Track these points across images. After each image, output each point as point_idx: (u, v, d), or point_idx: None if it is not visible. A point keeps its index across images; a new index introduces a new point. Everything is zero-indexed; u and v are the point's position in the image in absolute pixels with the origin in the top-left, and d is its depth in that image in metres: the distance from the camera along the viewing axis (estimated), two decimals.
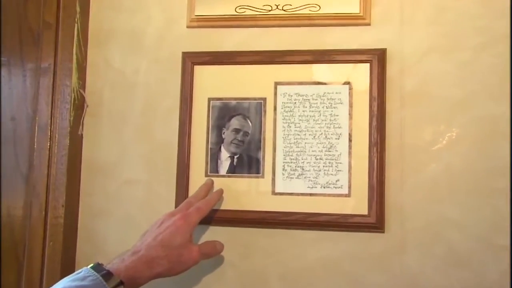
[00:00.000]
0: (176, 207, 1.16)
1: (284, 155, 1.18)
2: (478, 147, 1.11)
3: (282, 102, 1.19)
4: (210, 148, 1.20)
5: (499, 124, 1.11)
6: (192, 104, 1.21)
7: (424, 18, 1.16)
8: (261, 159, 1.18)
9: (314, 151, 1.17)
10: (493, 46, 1.13)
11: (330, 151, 1.16)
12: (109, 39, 1.29)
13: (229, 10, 1.22)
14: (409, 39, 1.16)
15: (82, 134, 1.27)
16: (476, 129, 1.12)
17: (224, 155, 1.20)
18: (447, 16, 1.15)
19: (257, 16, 1.21)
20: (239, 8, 1.22)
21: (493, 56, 1.13)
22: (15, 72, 1.26)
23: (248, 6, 1.22)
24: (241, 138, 1.19)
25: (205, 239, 1.18)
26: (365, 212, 1.13)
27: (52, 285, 0.89)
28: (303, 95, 1.18)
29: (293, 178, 1.17)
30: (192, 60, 1.22)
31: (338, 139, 1.16)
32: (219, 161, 1.20)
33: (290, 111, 1.18)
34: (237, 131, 1.20)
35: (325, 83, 1.18)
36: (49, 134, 1.23)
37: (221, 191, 1.17)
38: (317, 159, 1.16)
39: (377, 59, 1.15)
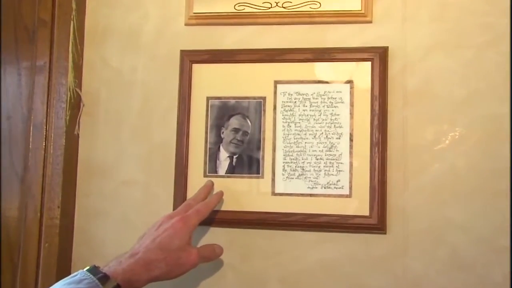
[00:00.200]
0: (174, 208, 1.16)
1: (284, 155, 1.17)
2: (483, 147, 1.11)
3: (282, 101, 1.18)
4: (209, 148, 1.20)
5: (503, 123, 1.11)
6: (190, 103, 1.21)
7: (427, 15, 1.15)
8: (260, 159, 1.18)
9: (314, 151, 1.16)
10: (498, 44, 1.12)
11: (330, 151, 1.16)
12: (105, 37, 1.28)
13: (228, 8, 1.22)
14: (412, 37, 1.16)
15: (78, 134, 1.26)
16: (481, 129, 1.11)
17: (223, 155, 1.19)
18: (450, 13, 1.15)
19: (257, 13, 1.21)
20: (238, 6, 1.21)
21: (498, 54, 1.12)
22: (9, 71, 1.25)
23: (247, 3, 1.21)
24: (241, 138, 1.19)
25: (203, 240, 1.18)
26: (367, 213, 1.12)
27: None
28: (303, 94, 1.18)
29: (293, 178, 1.16)
30: (191, 58, 1.22)
31: (339, 138, 1.15)
32: (218, 161, 1.19)
33: (290, 110, 1.18)
34: (236, 130, 1.19)
35: (325, 82, 1.17)
36: (45, 133, 1.22)
37: (221, 194, 1.16)
38: (317, 159, 1.16)
39: (379, 57, 1.14)
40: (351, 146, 1.15)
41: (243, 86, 1.20)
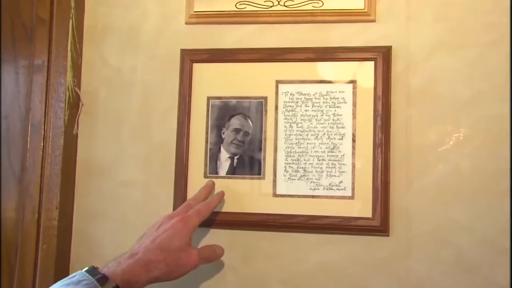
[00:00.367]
0: (174, 209, 1.16)
1: (285, 155, 1.17)
2: (487, 148, 1.11)
3: (284, 101, 1.18)
4: (210, 149, 1.19)
5: (508, 124, 1.10)
6: (190, 103, 1.21)
7: (431, 14, 1.15)
8: (262, 160, 1.17)
9: (316, 151, 1.16)
10: (503, 43, 1.12)
11: (333, 151, 1.15)
12: (105, 35, 1.28)
13: (229, 6, 1.22)
14: (416, 36, 1.16)
15: (77, 134, 1.26)
16: (485, 129, 1.11)
17: (224, 155, 1.19)
18: (454, 12, 1.14)
19: (258, 12, 1.21)
20: (240, 4, 1.21)
21: (502, 53, 1.12)
22: (7, 69, 1.24)
23: (248, 2, 1.21)
24: (242, 138, 1.19)
25: (204, 242, 1.18)
26: (369, 215, 1.12)
27: None
28: (305, 94, 1.18)
29: (295, 179, 1.16)
30: (191, 57, 1.22)
31: (342, 139, 1.15)
32: (218, 162, 1.19)
33: (292, 110, 1.18)
34: (237, 131, 1.19)
35: (328, 82, 1.17)
36: (43, 133, 1.22)
37: (222, 194, 1.16)
38: (319, 160, 1.16)
39: (382, 57, 1.14)
40: (353, 147, 1.14)
41: (244, 85, 1.20)
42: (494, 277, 1.08)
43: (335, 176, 1.15)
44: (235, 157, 1.19)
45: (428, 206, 1.12)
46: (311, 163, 1.16)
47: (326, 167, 1.15)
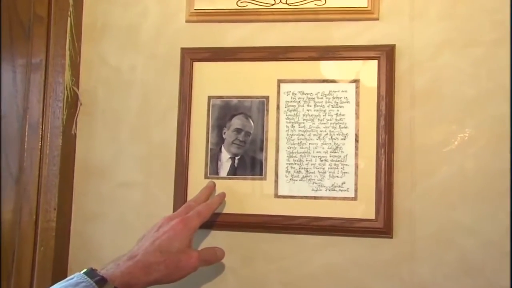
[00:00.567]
0: (174, 210, 1.16)
1: (287, 156, 1.17)
2: (492, 149, 1.10)
3: (286, 101, 1.18)
4: (210, 149, 1.19)
5: None
6: (191, 103, 1.21)
7: (435, 11, 1.15)
8: (263, 161, 1.17)
9: (319, 152, 1.16)
10: (509, 42, 1.11)
11: (335, 152, 1.15)
12: (104, 33, 1.28)
13: (230, 4, 1.22)
14: (420, 34, 1.15)
15: (75, 134, 1.26)
16: (490, 130, 1.11)
17: (225, 156, 1.19)
18: (459, 10, 1.14)
19: (260, 10, 1.21)
20: (241, 2, 1.21)
21: (508, 52, 1.11)
22: (4, 68, 1.24)
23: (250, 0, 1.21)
24: (243, 139, 1.19)
25: (204, 243, 1.18)
26: (373, 216, 1.12)
27: None
28: (307, 94, 1.18)
29: (297, 180, 1.16)
30: (192, 56, 1.21)
31: (344, 139, 1.15)
32: (219, 162, 1.19)
33: (294, 110, 1.18)
34: (238, 131, 1.19)
35: (330, 81, 1.17)
36: (41, 133, 1.22)
37: (223, 195, 1.16)
38: (322, 161, 1.15)
39: (386, 56, 1.14)
40: (356, 147, 1.14)
41: (245, 85, 1.20)
42: (498, 280, 1.08)
43: (337, 177, 1.15)
44: (236, 158, 1.18)
45: (432, 208, 1.11)
46: (313, 164, 1.16)
47: (328, 168, 1.15)
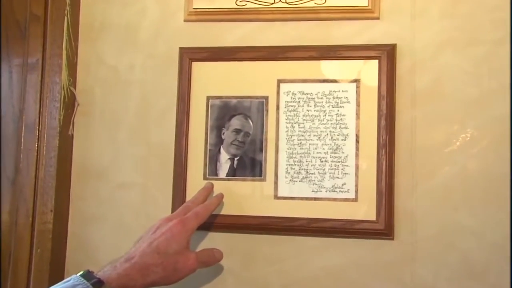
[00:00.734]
0: (172, 211, 1.15)
1: (287, 157, 1.17)
2: (495, 149, 1.10)
3: (286, 101, 1.18)
4: (209, 150, 1.19)
5: None
6: (190, 103, 1.21)
7: (437, 10, 1.15)
8: (263, 161, 1.17)
9: (319, 152, 1.16)
10: (510, 41, 1.11)
11: (336, 152, 1.15)
12: (101, 33, 1.28)
13: (229, 3, 1.21)
14: (421, 34, 1.15)
15: (72, 135, 1.26)
16: (493, 130, 1.11)
17: (224, 157, 1.19)
18: (461, 9, 1.14)
19: (259, 9, 1.21)
20: (240, 1, 1.21)
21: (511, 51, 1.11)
22: (0, 68, 1.24)
23: None
24: (242, 139, 1.18)
25: (203, 245, 1.17)
26: (373, 218, 1.12)
27: None
28: (307, 94, 1.18)
29: (296, 181, 1.16)
30: (190, 56, 1.21)
31: (345, 140, 1.15)
32: (218, 163, 1.19)
33: (294, 110, 1.18)
34: (237, 131, 1.19)
35: (331, 81, 1.17)
36: (37, 134, 1.22)
37: (221, 196, 1.16)
38: (322, 161, 1.15)
39: (387, 55, 1.14)
40: (357, 148, 1.14)
41: (244, 85, 1.20)
42: (502, 283, 1.08)
43: (338, 178, 1.14)
44: (236, 159, 1.18)
45: (433, 209, 1.11)
46: (313, 165, 1.15)
47: (329, 169, 1.15)
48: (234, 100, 1.20)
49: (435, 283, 1.10)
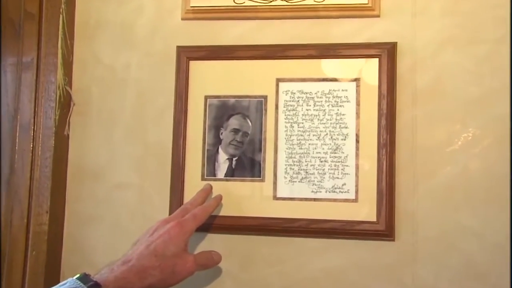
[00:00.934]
0: (170, 213, 1.16)
1: (286, 157, 1.16)
2: (497, 149, 1.10)
3: (285, 100, 1.18)
4: (207, 150, 1.19)
5: None
6: (187, 102, 1.20)
7: (438, 8, 1.15)
8: (261, 162, 1.17)
9: (318, 152, 1.15)
10: (510, 39, 1.11)
11: (336, 152, 1.15)
12: (97, 31, 1.27)
13: (227, 1, 1.21)
14: (422, 32, 1.15)
15: (68, 135, 1.25)
16: (495, 129, 1.10)
17: (222, 157, 1.18)
18: (463, 6, 1.14)
19: (258, 7, 1.20)
20: None
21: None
22: None
23: None
24: (240, 139, 1.18)
25: (201, 247, 1.17)
26: (374, 218, 1.12)
27: None
28: (307, 93, 1.17)
29: (296, 181, 1.16)
30: (188, 54, 1.21)
31: (345, 140, 1.15)
32: (216, 163, 1.18)
33: (293, 109, 1.17)
34: (236, 131, 1.18)
35: (330, 80, 1.17)
36: (32, 134, 1.22)
37: (220, 197, 1.15)
38: (322, 162, 1.15)
39: (387, 54, 1.14)
40: (357, 148, 1.14)
41: (243, 84, 1.20)
42: (503, 284, 1.08)
43: (338, 178, 1.14)
44: (234, 159, 1.18)
45: (435, 210, 1.11)
46: (313, 165, 1.15)
47: (328, 169, 1.15)
48: (233, 100, 1.19)
49: (436, 284, 1.10)
